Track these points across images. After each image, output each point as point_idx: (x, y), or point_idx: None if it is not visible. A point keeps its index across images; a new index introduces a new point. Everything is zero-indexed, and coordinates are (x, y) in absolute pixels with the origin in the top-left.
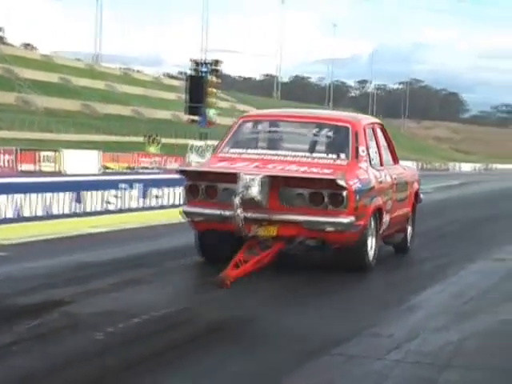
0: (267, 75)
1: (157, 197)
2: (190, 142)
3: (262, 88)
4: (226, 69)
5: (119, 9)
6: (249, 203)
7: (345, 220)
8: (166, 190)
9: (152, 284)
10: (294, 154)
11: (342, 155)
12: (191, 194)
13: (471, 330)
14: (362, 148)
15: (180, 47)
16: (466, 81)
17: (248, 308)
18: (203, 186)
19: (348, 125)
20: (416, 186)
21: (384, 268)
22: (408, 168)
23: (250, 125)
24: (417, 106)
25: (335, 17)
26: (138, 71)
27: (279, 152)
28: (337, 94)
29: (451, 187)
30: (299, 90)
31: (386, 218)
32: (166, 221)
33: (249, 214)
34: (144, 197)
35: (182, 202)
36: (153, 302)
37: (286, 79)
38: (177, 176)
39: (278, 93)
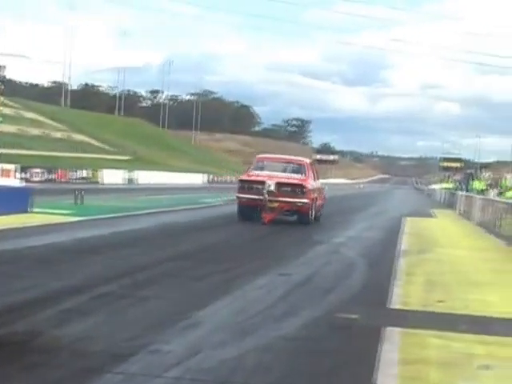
0: (55, 82)
1: None
2: None
3: (50, 95)
4: (12, 74)
5: None
6: (268, 193)
7: (304, 200)
8: None
9: None
10: (282, 174)
11: (302, 175)
12: (241, 189)
13: (252, 345)
14: (308, 172)
15: None
16: (258, 93)
17: (29, 324)
18: (246, 185)
19: (303, 162)
20: (324, 190)
21: (165, 285)
22: (321, 182)
23: (261, 159)
24: (209, 118)
25: (127, 25)
26: None
27: (276, 173)
28: (128, 104)
29: None
30: (89, 99)
31: (317, 202)
32: None
33: (268, 197)
34: None
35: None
36: None
37: (75, 87)
38: None
39: (68, 101)
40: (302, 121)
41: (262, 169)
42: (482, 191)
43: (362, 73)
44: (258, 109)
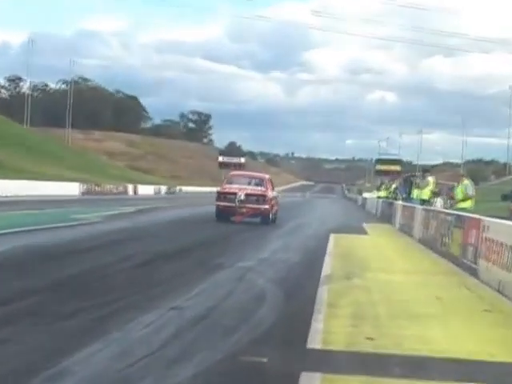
0: None
1: None
2: None
3: None
4: None
5: None
6: (239, 201)
7: (265, 206)
8: None
9: None
10: (248, 186)
11: (263, 187)
12: (219, 198)
13: None
14: (267, 185)
15: None
16: (146, 82)
17: None
18: (222, 196)
19: (264, 177)
20: (278, 199)
21: (24, 325)
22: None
23: (233, 176)
24: (85, 113)
25: None
26: None
27: (243, 186)
28: None
29: (124, 215)
30: None
31: (274, 208)
32: None
33: (239, 205)
34: None
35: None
36: None
37: None
38: None
39: None
40: (203, 115)
41: (232, 183)
42: (426, 201)
43: (277, 54)
44: (146, 100)
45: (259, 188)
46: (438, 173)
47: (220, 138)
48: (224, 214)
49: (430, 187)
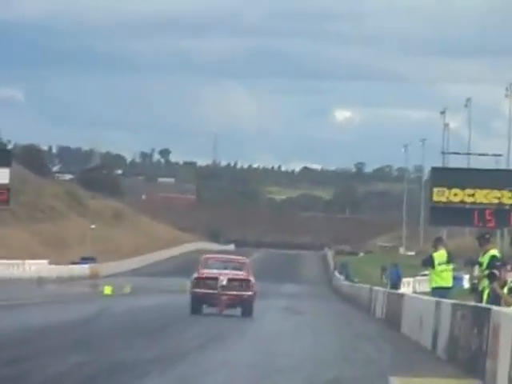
0: None
1: None
2: None
3: None
4: None
5: None
6: (221, 287)
7: (250, 293)
8: None
9: None
10: (227, 271)
11: (245, 272)
12: (196, 284)
13: None
14: (248, 269)
15: None
16: None
17: None
18: (201, 282)
19: (244, 261)
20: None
21: None
22: None
23: (208, 259)
24: None
25: None
26: None
27: (224, 271)
28: None
29: None
30: None
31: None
32: None
33: (221, 291)
34: None
35: None
36: None
37: None
38: None
39: None
40: None
41: (209, 267)
42: None
43: None
44: None
45: (241, 272)
46: None
47: None
48: (201, 303)
49: None
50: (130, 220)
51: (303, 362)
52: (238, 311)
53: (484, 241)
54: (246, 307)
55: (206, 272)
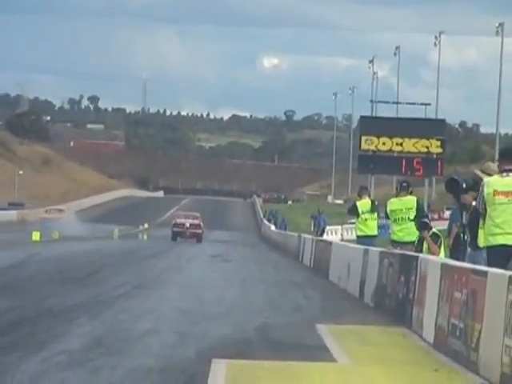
0: None
1: None
2: None
3: None
4: None
5: None
6: (187, 227)
7: (200, 231)
8: None
9: None
10: (189, 220)
11: (197, 220)
12: (174, 226)
13: None
14: (200, 218)
15: None
16: None
17: None
18: (176, 224)
19: (197, 215)
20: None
21: None
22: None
23: (180, 214)
24: None
25: None
26: None
27: (187, 219)
28: None
29: None
30: None
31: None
32: None
33: (186, 229)
34: None
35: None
36: None
37: None
38: None
39: None
40: None
41: (180, 217)
42: None
43: None
44: None
45: (196, 221)
46: None
47: None
48: (176, 236)
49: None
50: (59, 166)
51: (232, 308)
52: (194, 241)
53: (401, 188)
54: (199, 239)
55: (179, 220)
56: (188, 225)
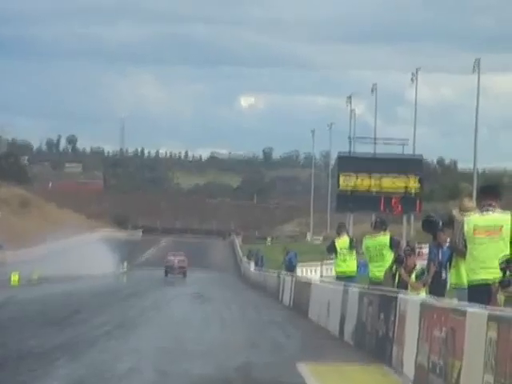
0: None
1: None
2: None
3: None
4: None
5: None
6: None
7: (185, 267)
8: None
9: None
10: (177, 258)
11: (183, 258)
12: (166, 262)
13: None
14: (184, 256)
15: None
16: None
17: None
18: (167, 263)
19: (183, 254)
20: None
21: None
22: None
23: (169, 254)
24: None
25: None
26: None
27: (175, 257)
28: None
29: None
30: None
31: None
32: None
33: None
34: None
35: None
36: None
37: None
38: None
39: None
40: None
41: (170, 256)
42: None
43: None
44: None
45: (182, 258)
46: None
47: None
48: (168, 272)
49: None
50: (38, 208)
51: (212, 348)
52: (181, 275)
53: (375, 226)
54: (184, 273)
55: (169, 259)
56: (176, 261)
